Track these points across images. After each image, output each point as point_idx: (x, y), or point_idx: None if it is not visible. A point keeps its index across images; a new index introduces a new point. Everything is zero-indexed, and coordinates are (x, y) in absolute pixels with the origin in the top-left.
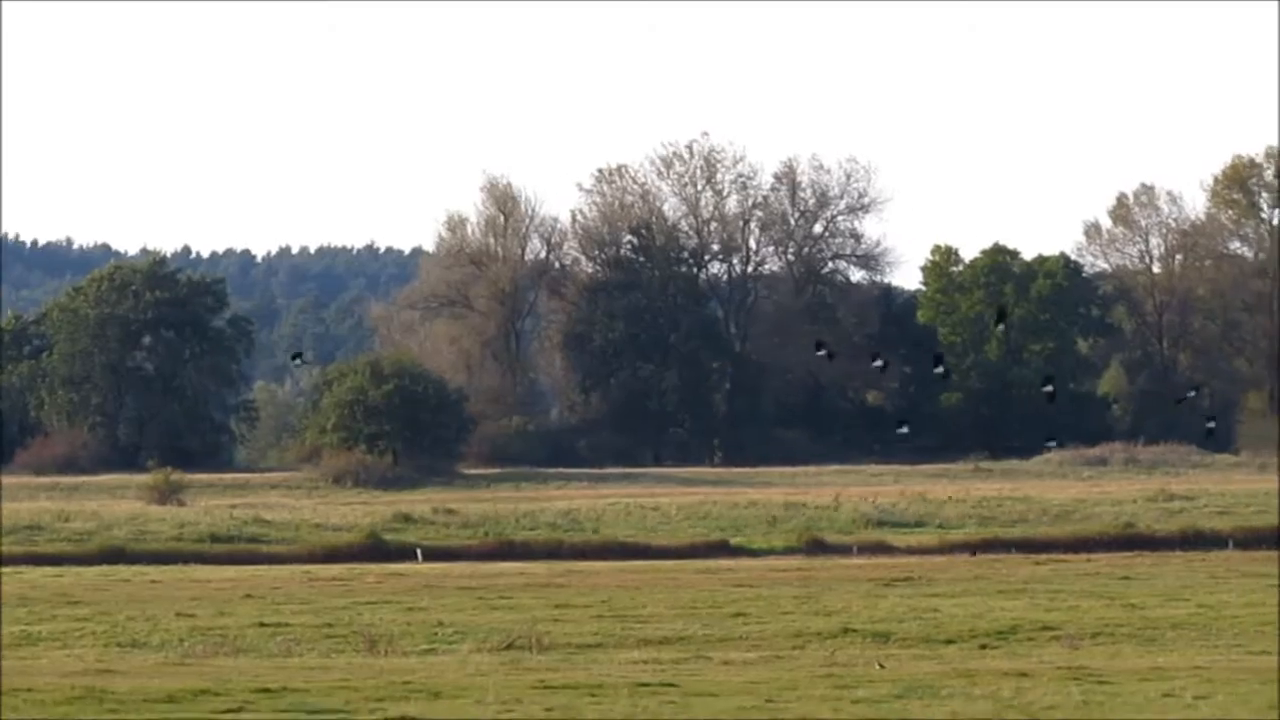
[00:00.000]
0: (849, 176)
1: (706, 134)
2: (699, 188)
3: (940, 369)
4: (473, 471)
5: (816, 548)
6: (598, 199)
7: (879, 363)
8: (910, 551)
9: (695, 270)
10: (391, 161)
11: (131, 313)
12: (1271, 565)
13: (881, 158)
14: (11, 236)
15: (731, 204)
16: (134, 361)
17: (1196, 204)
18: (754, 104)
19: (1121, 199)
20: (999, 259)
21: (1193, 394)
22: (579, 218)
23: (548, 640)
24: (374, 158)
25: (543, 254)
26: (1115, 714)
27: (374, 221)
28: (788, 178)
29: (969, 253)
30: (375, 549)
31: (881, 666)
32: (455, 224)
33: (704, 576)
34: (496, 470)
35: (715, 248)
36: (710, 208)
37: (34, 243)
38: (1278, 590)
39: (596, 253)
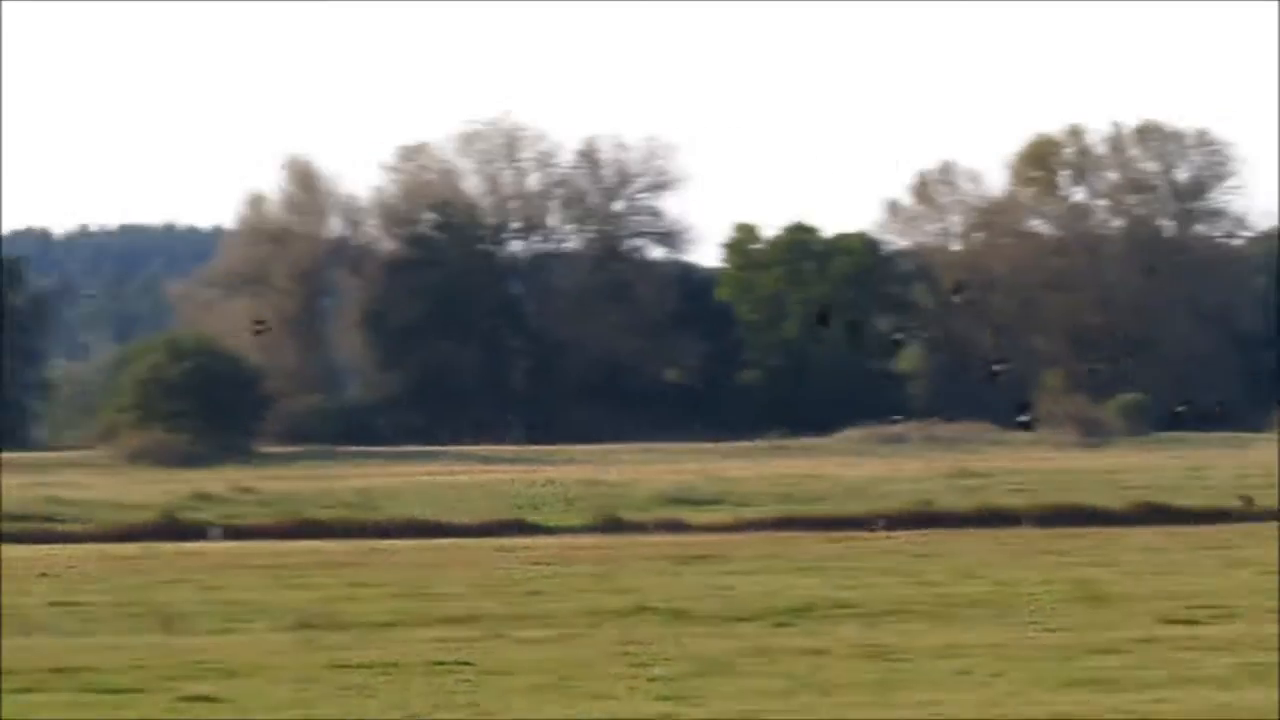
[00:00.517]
0: (650, 154)
1: (508, 112)
2: (500, 166)
3: (823, 322)
4: (271, 450)
5: (614, 525)
6: (400, 177)
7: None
8: (707, 529)
9: (495, 248)
10: (191, 139)
11: None
12: (1068, 542)
13: (682, 136)
14: None
15: (533, 182)
16: None
17: (996, 182)
18: (556, 82)
19: (922, 177)
20: (799, 236)
21: (1000, 367)
22: (380, 195)
23: (345, 619)
24: (174, 135)
25: (343, 232)
26: (911, 691)
27: (174, 200)
28: (589, 156)
29: (769, 230)
30: (172, 527)
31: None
32: (255, 202)
33: (501, 554)
34: (295, 448)
35: (516, 225)
36: (511, 185)
37: None
38: (1075, 567)
39: (397, 230)
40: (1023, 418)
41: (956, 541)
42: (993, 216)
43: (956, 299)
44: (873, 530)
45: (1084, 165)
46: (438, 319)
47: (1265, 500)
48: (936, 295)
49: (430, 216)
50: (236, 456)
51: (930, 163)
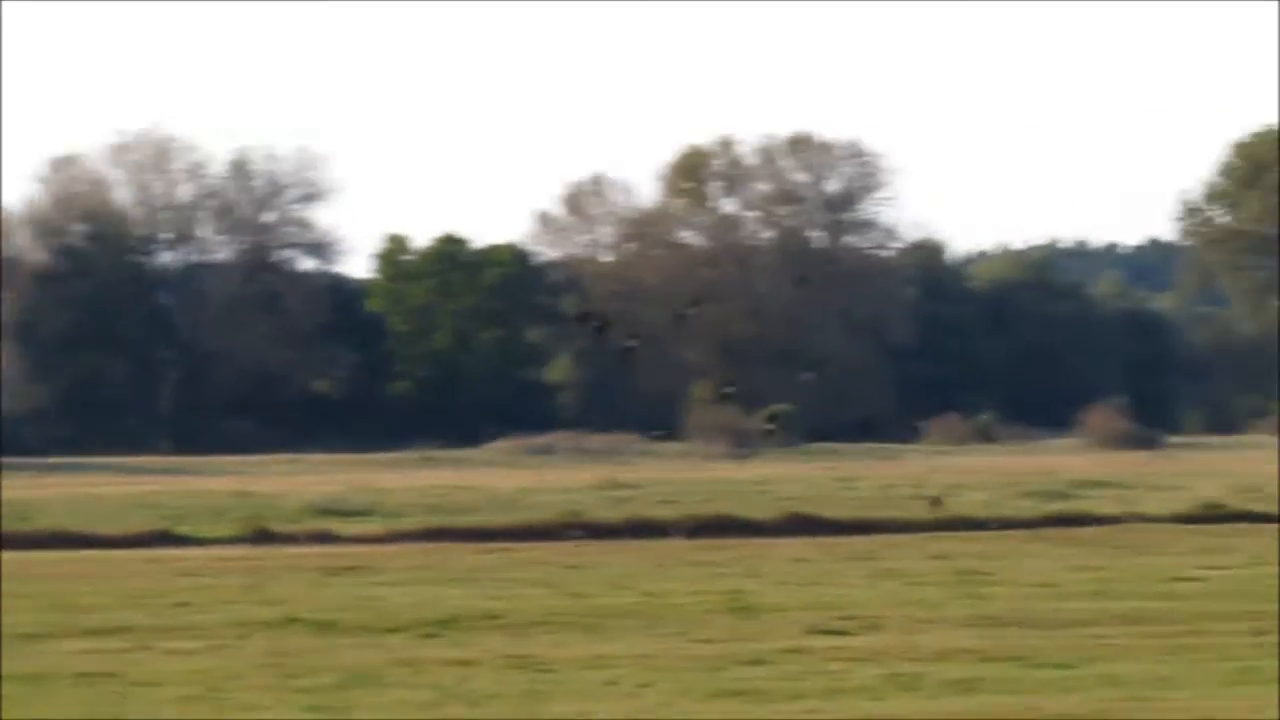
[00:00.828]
0: (300, 165)
1: (159, 122)
2: (151, 176)
3: (598, 326)
4: None
5: (263, 536)
6: (50, 188)
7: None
8: (358, 540)
9: (146, 259)
10: None
11: None
12: (717, 553)
13: (334, 147)
14: None
15: (184, 192)
16: None
17: (648, 193)
18: (208, 93)
19: (573, 187)
20: (449, 247)
21: (731, 390)
22: (30, 207)
23: None
24: None
25: None
26: (558, 701)
27: None
28: (240, 166)
29: (420, 241)
30: None
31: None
32: None
33: (149, 566)
34: None
35: (167, 236)
36: (162, 196)
37: None
38: (724, 578)
39: (47, 242)
40: (658, 432)
41: (606, 553)
42: (644, 228)
43: (693, 310)
44: (573, 540)
45: (734, 176)
46: (88, 330)
47: (915, 511)
48: (587, 306)
49: (80, 228)
50: None
51: (581, 174)
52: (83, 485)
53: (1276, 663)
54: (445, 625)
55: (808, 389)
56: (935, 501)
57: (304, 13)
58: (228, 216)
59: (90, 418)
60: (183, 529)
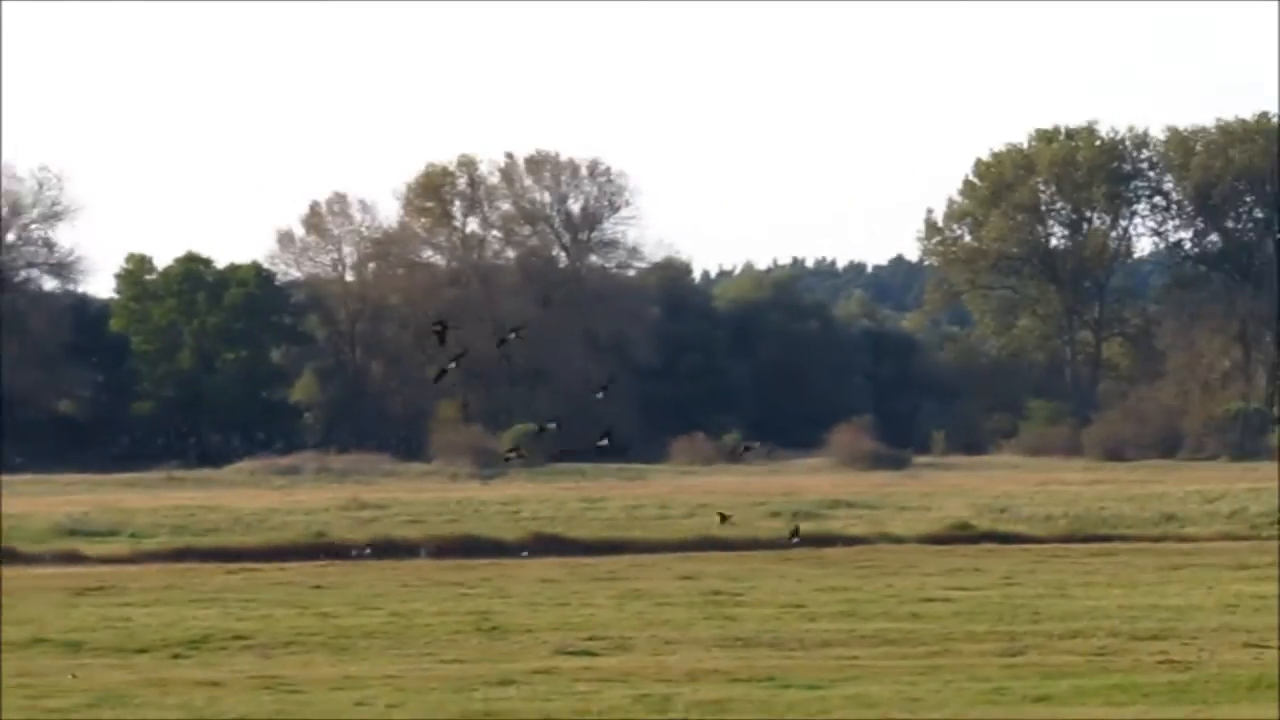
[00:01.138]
0: (41, 185)
1: None
2: None
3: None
4: None
5: (8, 557)
6: None
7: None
8: (104, 560)
9: None
10: None
11: None
12: (464, 573)
13: (75, 166)
14: None
15: None
16: None
17: (390, 212)
18: None
19: (314, 207)
20: (192, 267)
21: (750, 447)
22: None
23: None
24: None
25: None
26: None
27: None
28: None
29: (163, 261)
30: None
31: (74, 677)
32: None
33: None
34: None
35: None
36: None
37: None
38: (472, 598)
39: None
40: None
41: (353, 573)
42: (386, 247)
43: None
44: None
45: (476, 196)
46: None
47: (659, 532)
48: (330, 325)
49: None
50: None
51: (323, 193)
52: None
53: (1027, 684)
54: (194, 645)
55: (552, 408)
56: (724, 518)
57: (48, 28)
58: None
59: None
60: None
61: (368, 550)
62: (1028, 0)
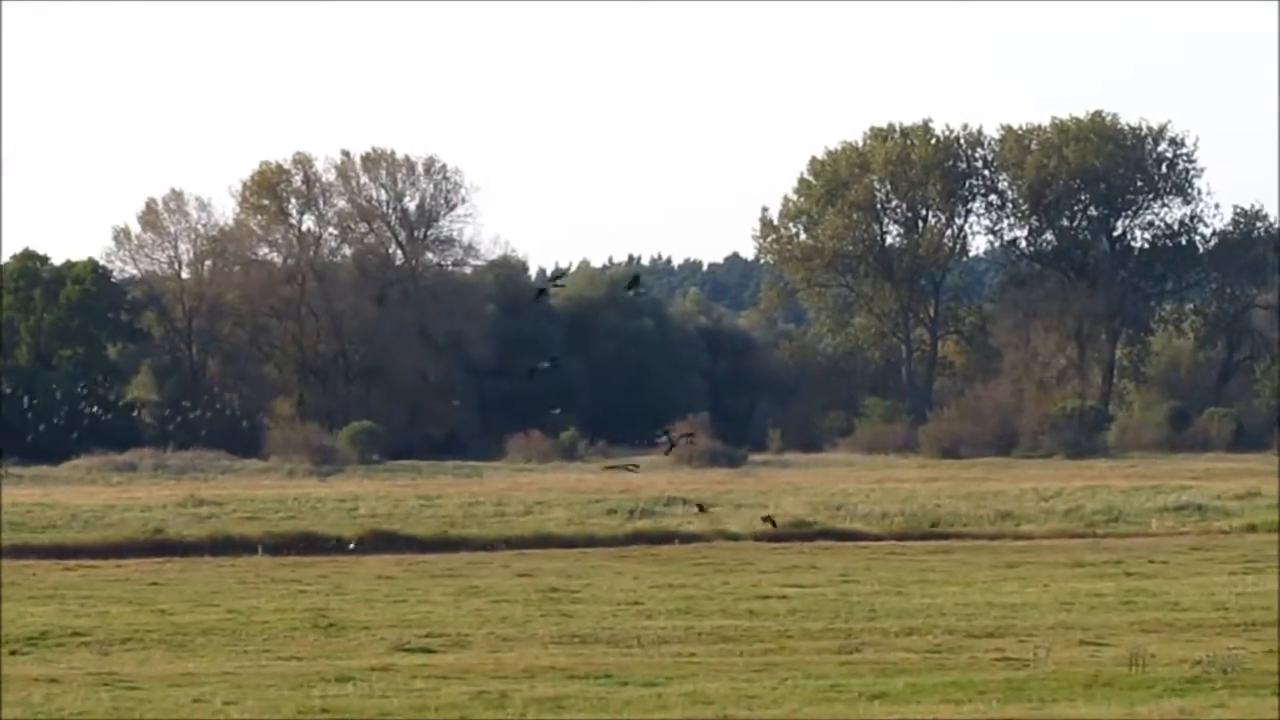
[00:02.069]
0: None
1: None
2: None
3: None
4: None
5: None
6: None
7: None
8: None
9: None
10: None
11: None
12: (300, 570)
13: None
14: None
15: None
16: None
17: (226, 210)
18: None
19: (151, 204)
20: (28, 264)
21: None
22: None
23: None
24: None
25: None
26: (145, 719)
27: None
28: None
29: None
30: None
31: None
32: None
33: None
34: None
35: None
36: None
37: None
38: (310, 595)
39: None
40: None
41: (189, 569)
42: (222, 244)
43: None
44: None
45: (312, 193)
46: None
47: (496, 529)
48: (166, 323)
49: None
50: None
51: (160, 190)
52: None
53: (864, 681)
54: (31, 642)
55: (388, 405)
56: (768, 519)
57: None
58: None
59: None
60: None
61: (352, 545)
62: None
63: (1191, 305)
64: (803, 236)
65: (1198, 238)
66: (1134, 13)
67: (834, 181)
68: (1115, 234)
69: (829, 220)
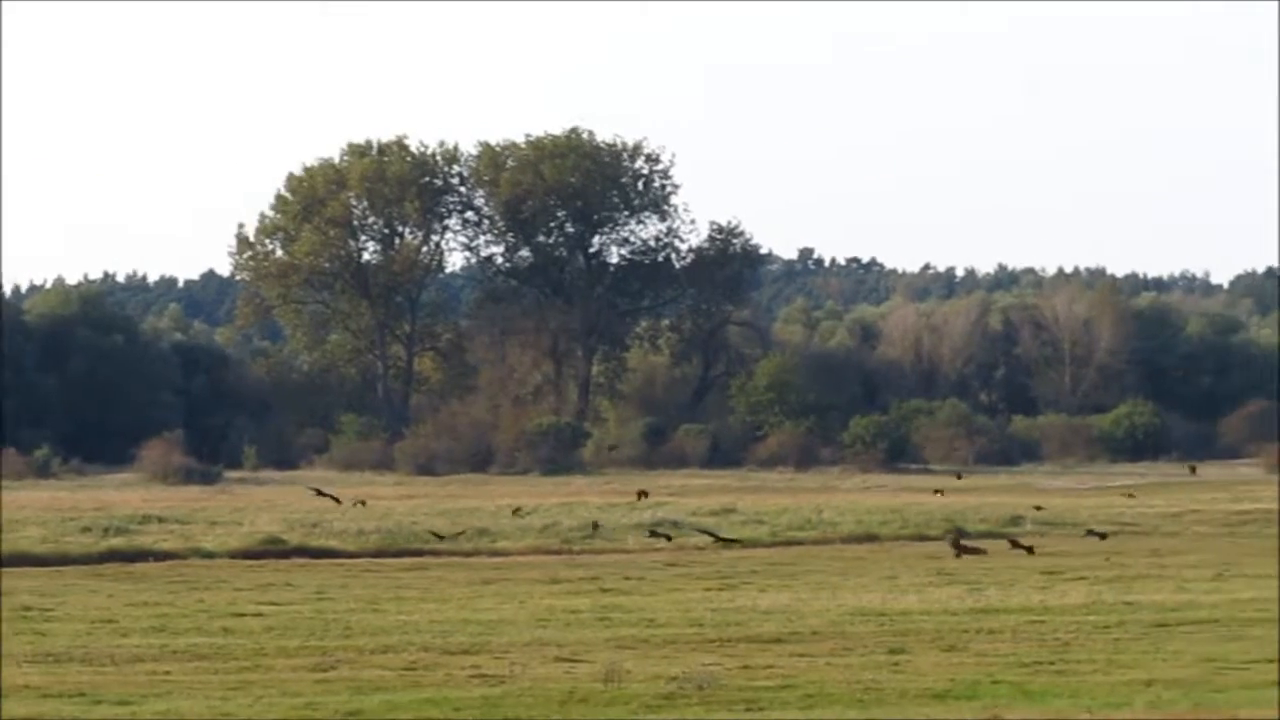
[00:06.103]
0: None
1: None
2: None
3: None
4: None
5: None
6: None
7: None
8: None
9: None
10: None
11: None
12: None
13: None
14: None
15: None
16: None
17: None
18: None
19: None
20: None
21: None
22: None
23: None
24: None
25: None
26: None
27: None
28: None
29: None
30: None
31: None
32: None
33: None
34: None
35: None
36: None
37: None
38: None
39: None
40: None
41: None
42: None
43: None
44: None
45: None
46: None
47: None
48: None
49: None
50: None
51: None
52: None
53: (340, 698)
54: None
55: None
56: (955, 539)
57: None
58: None
59: None
60: None
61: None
62: (342, 7)
63: (668, 321)
64: (279, 253)
65: (674, 254)
66: (613, 25)
67: (311, 198)
68: (592, 251)
69: (306, 237)
